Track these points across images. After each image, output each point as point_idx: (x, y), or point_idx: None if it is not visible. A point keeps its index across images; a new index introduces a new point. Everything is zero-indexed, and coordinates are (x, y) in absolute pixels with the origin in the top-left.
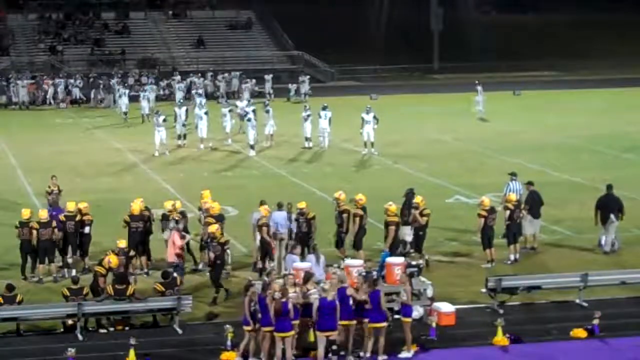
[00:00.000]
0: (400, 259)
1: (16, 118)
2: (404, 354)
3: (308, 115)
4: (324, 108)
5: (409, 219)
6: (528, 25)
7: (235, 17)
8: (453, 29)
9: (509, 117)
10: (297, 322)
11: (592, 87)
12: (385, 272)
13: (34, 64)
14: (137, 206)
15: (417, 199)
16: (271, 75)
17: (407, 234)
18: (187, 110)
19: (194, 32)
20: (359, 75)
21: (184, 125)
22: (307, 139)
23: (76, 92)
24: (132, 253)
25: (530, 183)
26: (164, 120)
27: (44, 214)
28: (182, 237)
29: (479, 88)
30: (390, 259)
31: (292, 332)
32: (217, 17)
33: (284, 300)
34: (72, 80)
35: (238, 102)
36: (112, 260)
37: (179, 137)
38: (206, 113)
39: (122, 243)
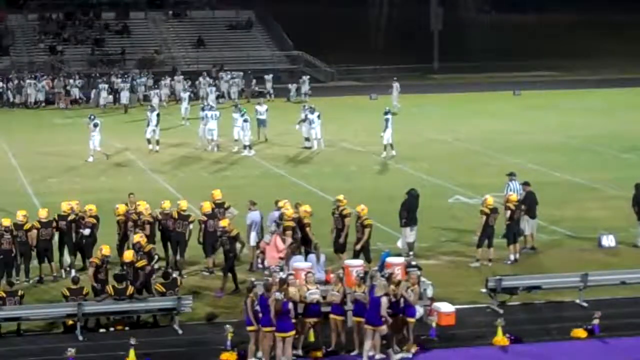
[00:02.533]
0: (400, 259)
1: (16, 118)
2: (404, 354)
3: (307, 116)
4: (314, 111)
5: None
6: (528, 25)
7: (235, 17)
8: (453, 29)
9: (509, 117)
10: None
11: (592, 87)
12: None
13: (34, 64)
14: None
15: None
16: (271, 75)
17: (409, 235)
18: (158, 115)
19: (194, 32)
20: (359, 75)
21: (159, 129)
22: (306, 139)
23: (76, 92)
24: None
25: (526, 183)
26: (95, 126)
27: (44, 214)
28: (284, 241)
29: (395, 85)
30: (390, 259)
31: (293, 332)
32: (217, 17)
33: (284, 300)
34: (72, 80)
35: (258, 107)
36: (105, 249)
37: (148, 141)
38: (213, 112)
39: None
